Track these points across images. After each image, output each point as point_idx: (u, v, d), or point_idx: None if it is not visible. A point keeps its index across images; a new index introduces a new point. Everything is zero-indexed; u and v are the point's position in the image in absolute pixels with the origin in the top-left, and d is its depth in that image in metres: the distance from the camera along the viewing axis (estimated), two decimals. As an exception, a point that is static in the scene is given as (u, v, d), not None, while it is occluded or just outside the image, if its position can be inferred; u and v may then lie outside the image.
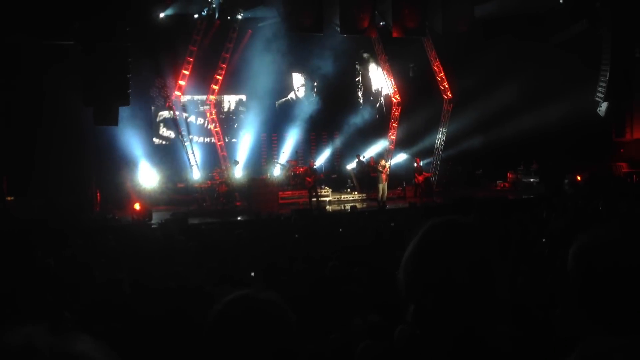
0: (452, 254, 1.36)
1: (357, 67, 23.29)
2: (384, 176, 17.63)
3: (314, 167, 18.51)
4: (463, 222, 1.44)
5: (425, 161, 21.02)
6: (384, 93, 22.95)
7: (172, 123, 19.53)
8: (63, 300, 5.14)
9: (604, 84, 17.59)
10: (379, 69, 21.84)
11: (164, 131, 20.31)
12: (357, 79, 23.36)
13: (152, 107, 19.98)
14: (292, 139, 21.26)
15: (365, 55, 22.77)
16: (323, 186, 19.15)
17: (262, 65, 19.31)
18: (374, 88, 23.48)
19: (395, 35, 18.07)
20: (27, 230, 11.28)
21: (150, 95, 19.62)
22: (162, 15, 17.94)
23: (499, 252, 1.44)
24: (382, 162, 18.09)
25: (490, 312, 1.36)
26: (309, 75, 22.26)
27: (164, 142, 20.27)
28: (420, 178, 19.27)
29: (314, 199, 17.39)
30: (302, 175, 18.31)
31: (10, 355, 0.81)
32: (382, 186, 17.56)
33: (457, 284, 1.34)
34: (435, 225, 1.45)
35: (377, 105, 23.42)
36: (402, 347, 1.43)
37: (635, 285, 1.43)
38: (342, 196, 19.34)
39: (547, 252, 7.11)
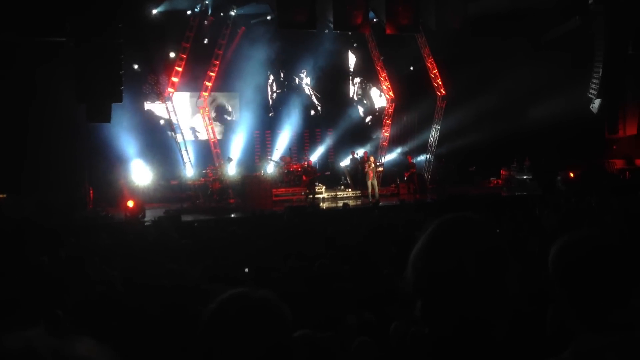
0: (462, 250, 1.37)
1: (351, 63, 23.27)
2: (370, 173, 17.63)
3: (311, 165, 18.60)
4: (474, 219, 1.45)
5: (419, 158, 21.06)
6: (377, 90, 22.94)
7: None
8: (56, 299, 5.11)
9: (597, 81, 17.65)
10: (373, 65, 21.83)
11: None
12: (350, 76, 23.35)
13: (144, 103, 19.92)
14: (285, 136, 21.25)
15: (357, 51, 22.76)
16: (317, 183, 19.18)
17: (255, 62, 19.29)
18: (367, 85, 23.47)
19: (388, 32, 18.06)
20: (20, 228, 11.21)
21: (143, 92, 19.54)
22: (154, 11, 17.89)
23: (509, 248, 1.45)
24: (371, 159, 18.13)
25: (499, 309, 1.37)
26: (303, 72, 22.23)
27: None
28: (407, 174, 19.36)
29: (310, 196, 17.49)
30: (297, 173, 18.42)
31: None
32: (371, 183, 17.60)
33: (467, 280, 1.35)
34: (446, 221, 1.46)
35: (371, 102, 23.42)
36: (397, 344, 1.44)
37: (611, 282, 1.46)
38: (336, 193, 19.35)
39: (539, 249, 7.13)
